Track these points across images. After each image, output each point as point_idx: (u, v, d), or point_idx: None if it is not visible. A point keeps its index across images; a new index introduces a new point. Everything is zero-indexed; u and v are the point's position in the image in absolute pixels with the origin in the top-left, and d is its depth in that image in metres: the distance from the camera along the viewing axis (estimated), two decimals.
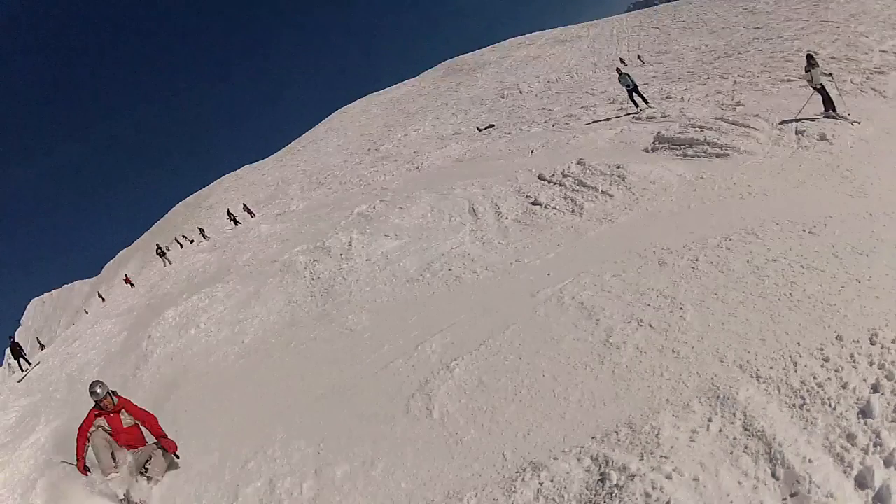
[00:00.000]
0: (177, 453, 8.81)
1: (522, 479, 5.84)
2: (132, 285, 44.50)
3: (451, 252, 14.18)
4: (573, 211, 13.94)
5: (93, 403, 8.80)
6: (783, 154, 14.08)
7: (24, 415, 16.43)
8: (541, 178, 17.55)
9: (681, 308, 7.64)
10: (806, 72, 16.84)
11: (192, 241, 51.26)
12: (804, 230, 8.89)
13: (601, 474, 5.48)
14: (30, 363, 28.92)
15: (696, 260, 8.73)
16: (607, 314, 8.11)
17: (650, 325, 7.51)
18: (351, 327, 11.90)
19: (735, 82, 23.66)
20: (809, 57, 17.09)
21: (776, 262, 8.03)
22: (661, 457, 5.35)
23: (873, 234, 8.39)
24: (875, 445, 5.07)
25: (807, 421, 5.35)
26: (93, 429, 8.56)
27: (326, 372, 10.31)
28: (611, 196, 13.82)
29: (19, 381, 23.97)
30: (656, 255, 9.31)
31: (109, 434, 8.58)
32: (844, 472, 4.85)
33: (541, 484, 5.72)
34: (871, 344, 6.08)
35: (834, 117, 15.55)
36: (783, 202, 10.65)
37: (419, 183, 25.72)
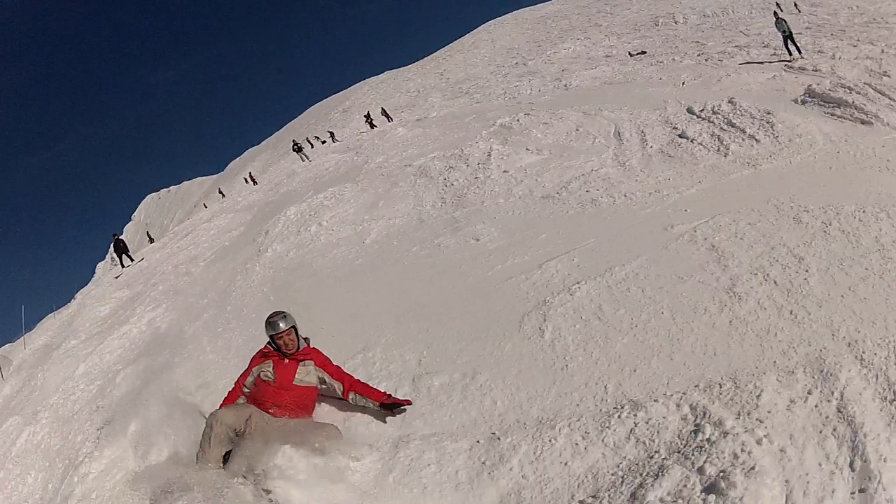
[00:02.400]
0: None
1: (619, 416, 6.01)
2: (255, 182, 46.36)
3: (591, 173, 14.17)
4: (719, 150, 13.74)
5: (266, 342, 7.39)
6: None
7: (118, 307, 17.70)
8: (690, 111, 17.37)
9: (807, 271, 7.58)
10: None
11: (323, 142, 52.77)
12: None
13: (696, 425, 5.61)
14: (132, 260, 29.92)
15: (830, 224, 8.58)
16: (736, 261, 8.11)
17: (775, 282, 7.48)
18: (478, 237, 12.14)
19: (883, 51, 21.98)
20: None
21: None
22: (757, 419, 5.41)
23: None
24: None
25: (892, 418, 5.24)
26: (250, 377, 7.11)
27: (445, 279, 10.65)
28: (757, 141, 13.58)
29: (117, 277, 25.32)
30: (793, 210, 9.17)
31: (269, 381, 6.94)
32: None
33: (635, 424, 5.88)
34: None
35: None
36: None
37: (565, 101, 25.51)
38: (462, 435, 6.42)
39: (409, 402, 6.98)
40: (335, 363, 7.49)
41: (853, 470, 4.80)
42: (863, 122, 14.40)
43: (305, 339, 7.38)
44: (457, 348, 8.08)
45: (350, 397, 7.17)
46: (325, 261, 14.30)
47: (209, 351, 10.51)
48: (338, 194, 19.77)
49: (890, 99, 15.39)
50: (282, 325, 7.09)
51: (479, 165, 17.47)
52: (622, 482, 5.33)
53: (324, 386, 7.18)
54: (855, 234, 8.21)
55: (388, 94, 75.30)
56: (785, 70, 23.63)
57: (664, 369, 6.52)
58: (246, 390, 7.09)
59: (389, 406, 6.98)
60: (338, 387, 7.19)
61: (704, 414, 5.68)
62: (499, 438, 6.17)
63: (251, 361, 7.28)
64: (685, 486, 4.96)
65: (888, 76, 18.87)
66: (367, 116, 50.84)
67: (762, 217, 9.20)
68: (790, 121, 14.22)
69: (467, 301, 9.42)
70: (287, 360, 7.06)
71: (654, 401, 6.06)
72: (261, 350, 7.32)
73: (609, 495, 5.23)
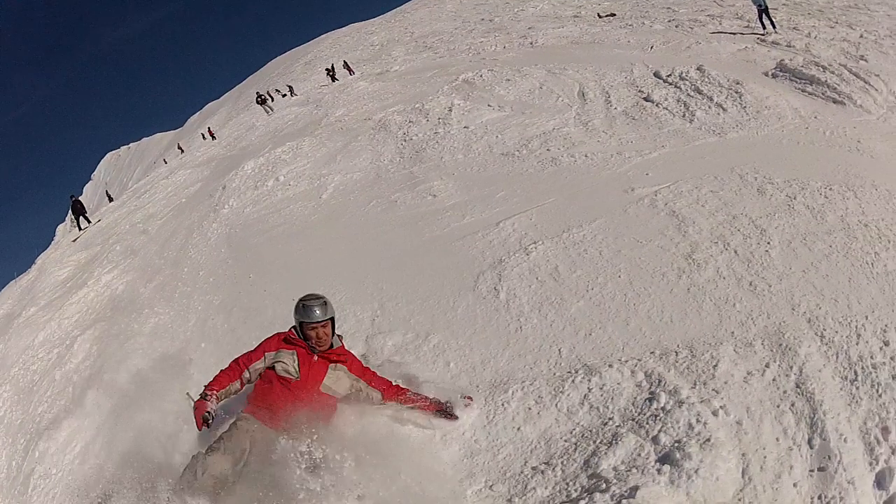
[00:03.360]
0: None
1: (572, 381, 5.94)
2: (213, 137, 45.48)
3: (553, 132, 14.04)
4: (684, 116, 13.65)
5: (290, 326, 6.12)
6: (895, 123, 13.36)
7: (76, 270, 17.25)
8: (657, 75, 17.25)
9: (768, 243, 7.55)
10: None
11: (283, 96, 51.81)
12: None
13: (651, 393, 5.57)
14: (90, 221, 29.14)
15: (794, 199, 8.55)
16: (696, 228, 8.05)
17: (735, 252, 7.45)
18: (435, 193, 11.98)
19: (862, 36, 22.05)
20: None
21: (867, 228, 7.76)
22: (713, 390, 5.39)
23: None
24: None
25: (853, 398, 5.27)
26: (259, 363, 5.81)
27: (401, 236, 10.51)
28: (724, 110, 13.52)
29: (74, 241, 24.67)
30: (757, 181, 9.13)
31: (289, 378, 5.65)
32: (870, 464, 4.77)
33: (589, 390, 5.83)
34: None
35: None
36: (885, 170, 10.23)
37: (531, 58, 25.28)
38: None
39: (470, 398, 6.04)
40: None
41: (812, 447, 4.81)
42: (835, 102, 14.40)
43: (338, 335, 6.11)
44: (410, 307, 7.99)
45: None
46: (280, 217, 14.08)
47: (165, 314, 10.35)
48: (296, 148, 19.46)
49: (865, 82, 15.28)
50: (318, 313, 5.79)
51: (440, 120, 17.23)
52: (575, 449, 5.28)
53: (349, 394, 5.92)
54: (820, 211, 8.19)
55: (350, 48, 74.04)
56: (757, 43, 23.58)
57: (620, 334, 6.48)
58: (247, 377, 5.74)
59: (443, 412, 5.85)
60: (375, 396, 5.97)
61: (660, 382, 5.64)
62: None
63: (264, 343, 5.89)
64: (639, 455, 4.93)
65: (865, 60, 18.91)
66: (329, 70, 49.84)
67: (725, 185, 9.16)
68: (759, 92, 14.21)
69: (422, 258, 9.32)
70: (316, 358, 5.74)
71: (609, 366, 6.01)
72: (281, 334, 5.95)
73: (562, 462, 5.18)
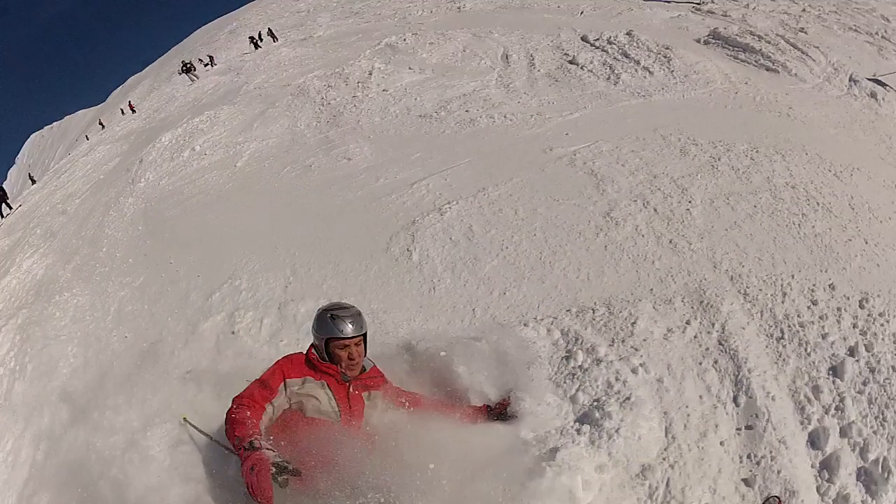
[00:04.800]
0: None
1: (486, 341, 5.69)
2: (133, 111, 44.08)
3: (473, 94, 13.95)
4: (608, 78, 13.69)
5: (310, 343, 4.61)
6: (831, 93, 13.71)
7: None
8: (584, 39, 17.39)
9: (690, 202, 7.53)
10: None
11: (206, 66, 50.39)
12: (830, 170, 8.69)
13: (567, 351, 5.42)
14: (11, 208, 27.86)
15: (719, 160, 8.57)
16: (615, 187, 8.01)
17: (655, 210, 7.41)
18: (350, 157, 11.78)
19: (804, 10, 22.47)
20: None
21: (795, 189, 7.85)
22: (632, 347, 5.31)
23: (892, 204, 8.14)
24: (836, 409, 5.01)
25: (779, 356, 5.27)
26: (279, 397, 4.16)
27: (314, 201, 10.29)
28: (651, 73, 13.58)
29: None
30: (680, 142, 9.11)
31: (329, 420, 4.23)
32: (801, 423, 4.78)
33: (505, 342, 5.59)
34: (860, 307, 5.98)
35: None
36: (817, 136, 10.41)
37: (457, 22, 25.19)
38: None
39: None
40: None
41: (738, 405, 4.79)
42: (768, 70, 14.61)
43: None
44: (323, 272, 7.78)
45: None
46: (195, 187, 13.71)
47: (84, 297, 9.76)
48: (213, 117, 18.95)
49: (803, 52, 15.59)
50: (351, 327, 4.37)
51: (359, 84, 17.00)
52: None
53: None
54: (745, 172, 8.21)
55: (276, 15, 72.50)
56: (692, 11, 23.75)
57: (535, 292, 6.36)
58: (269, 417, 4.12)
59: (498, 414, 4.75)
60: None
61: (577, 340, 5.51)
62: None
63: (280, 366, 4.33)
64: (557, 415, 4.80)
65: (805, 32, 19.23)
66: (252, 38, 48.60)
67: (647, 146, 9.13)
68: (689, 58, 14.26)
69: (336, 223, 9.15)
70: (351, 388, 4.37)
71: (524, 325, 5.89)
72: (296, 356, 4.50)
73: None
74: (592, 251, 6.79)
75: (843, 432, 4.90)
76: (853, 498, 4.55)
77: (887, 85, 14.51)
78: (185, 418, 4.97)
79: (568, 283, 6.36)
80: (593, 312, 5.85)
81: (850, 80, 14.24)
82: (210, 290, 7.97)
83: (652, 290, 6.09)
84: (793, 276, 6.22)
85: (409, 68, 17.37)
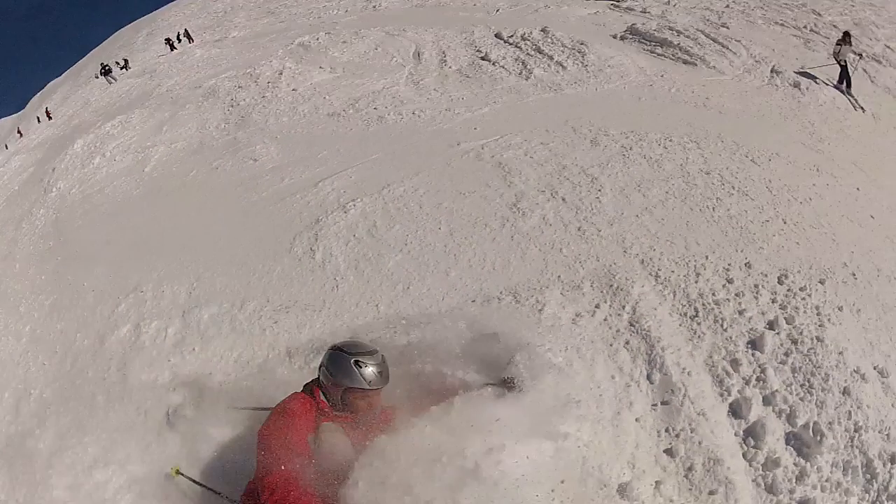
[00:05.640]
0: None
1: (391, 335, 5.64)
2: (49, 118, 42.67)
3: (382, 91, 13.87)
4: (521, 73, 13.78)
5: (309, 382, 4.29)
6: (751, 84, 14.03)
7: None
8: (498, 36, 17.42)
9: (599, 190, 7.59)
10: (836, 44, 16.28)
11: (122, 68, 49.02)
12: (747, 157, 8.90)
13: (473, 341, 5.20)
14: None
15: (630, 149, 8.64)
16: (523, 178, 8.02)
17: (563, 199, 7.45)
18: (256, 157, 11.55)
19: (728, 6, 23.14)
20: (846, 34, 16.59)
21: (709, 175, 8.00)
22: (539, 333, 5.28)
23: (814, 186, 8.47)
24: (758, 380, 5.19)
25: (694, 333, 5.40)
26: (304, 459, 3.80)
27: (219, 204, 10.06)
28: (564, 68, 13.70)
29: None
30: (591, 133, 9.20)
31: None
32: (721, 395, 4.93)
33: (408, 343, 5.43)
34: (779, 283, 6.21)
35: (843, 92, 15.20)
36: (735, 125, 10.63)
37: (371, 21, 25.11)
38: (228, 372, 5.94)
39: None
40: None
41: (651, 383, 4.86)
42: (685, 63, 14.78)
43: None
44: (227, 276, 7.53)
45: None
46: (104, 195, 13.32)
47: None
48: (125, 122, 18.42)
49: (723, 46, 15.87)
50: (377, 378, 4.01)
51: (269, 84, 16.75)
52: None
53: None
54: (658, 160, 8.28)
55: (193, 16, 70.92)
56: (610, 8, 24.14)
57: (439, 285, 6.31)
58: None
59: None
60: None
61: (482, 329, 5.33)
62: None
63: (296, 425, 3.90)
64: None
65: (726, 27, 19.66)
66: (168, 40, 47.47)
67: (556, 137, 9.18)
68: (603, 53, 14.41)
69: (240, 225, 8.93)
70: (363, 428, 4.03)
71: (429, 318, 5.71)
72: (303, 399, 4.09)
73: None
74: (498, 242, 6.78)
75: (767, 401, 5.11)
76: (784, 461, 4.77)
77: (817, 78, 14.98)
78: (177, 470, 4.66)
79: (473, 275, 6.34)
80: (499, 301, 5.86)
81: (772, 72, 14.59)
82: (116, 301, 7.70)
83: (560, 277, 6.12)
84: (706, 257, 6.35)
85: (320, 67, 17.19)
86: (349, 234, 7.53)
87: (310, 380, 4.31)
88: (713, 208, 7.27)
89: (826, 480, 4.95)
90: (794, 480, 4.83)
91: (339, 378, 3.99)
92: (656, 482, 4.36)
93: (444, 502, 3.54)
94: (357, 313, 6.23)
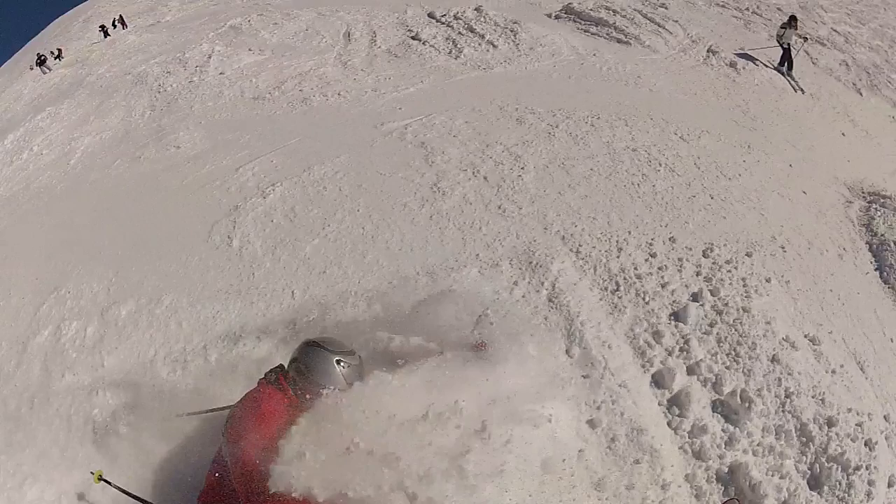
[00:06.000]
0: None
1: (306, 321, 5.67)
2: None
3: (309, 73, 13.56)
4: (450, 52, 13.61)
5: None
6: (686, 63, 14.02)
7: None
8: (431, 15, 17.25)
9: (522, 168, 7.54)
10: (781, 28, 16.24)
11: (56, 58, 47.62)
12: (676, 134, 8.93)
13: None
14: None
15: (556, 127, 8.60)
16: (445, 158, 7.94)
17: (485, 178, 7.41)
18: (179, 144, 11.24)
19: None
20: (792, 17, 16.55)
21: (636, 152, 8.00)
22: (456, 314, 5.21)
23: (744, 163, 8.54)
24: (681, 350, 5.27)
25: (615, 307, 5.44)
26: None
27: (142, 194, 9.75)
28: (495, 47, 13.55)
29: None
30: (518, 112, 9.13)
31: None
32: (643, 367, 4.97)
33: (325, 327, 5.53)
34: (704, 256, 6.27)
35: (783, 74, 15.22)
36: (666, 103, 10.63)
37: (305, 2, 24.52)
38: (149, 372, 5.82)
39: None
40: None
41: (571, 357, 4.89)
42: (619, 42, 14.72)
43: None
44: (145, 269, 7.30)
45: None
46: (30, 191, 12.84)
47: None
48: (54, 113, 17.81)
49: (659, 26, 15.82)
50: (354, 380, 4.03)
51: (197, 69, 16.31)
52: None
53: None
54: (583, 138, 8.26)
55: (129, 1, 69.44)
56: None
57: (356, 268, 6.23)
58: None
59: None
60: None
61: (397, 311, 5.40)
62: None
63: (269, 419, 3.88)
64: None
65: (665, 8, 19.61)
66: (103, 27, 46.15)
67: (482, 116, 9.10)
68: (536, 31, 14.26)
69: (160, 215, 8.66)
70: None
71: (344, 301, 5.77)
72: (272, 393, 4.02)
73: None
74: (417, 222, 6.73)
75: (691, 370, 5.22)
76: (712, 428, 4.89)
77: (756, 59, 15.02)
78: (99, 476, 4.49)
79: (390, 256, 6.28)
80: (415, 282, 5.83)
81: (708, 52, 14.57)
82: (38, 303, 7.46)
83: (478, 255, 6.10)
84: (629, 232, 6.37)
85: (249, 50, 16.82)
86: (267, 219, 7.38)
87: (270, 370, 4.20)
88: (638, 184, 7.29)
89: (758, 445, 5.06)
90: (723, 446, 4.92)
91: (315, 376, 3.92)
92: (579, 452, 4.37)
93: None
94: (271, 300, 6.13)
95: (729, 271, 6.18)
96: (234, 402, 4.18)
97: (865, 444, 5.50)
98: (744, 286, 6.15)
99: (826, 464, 5.23)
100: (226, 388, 5.08)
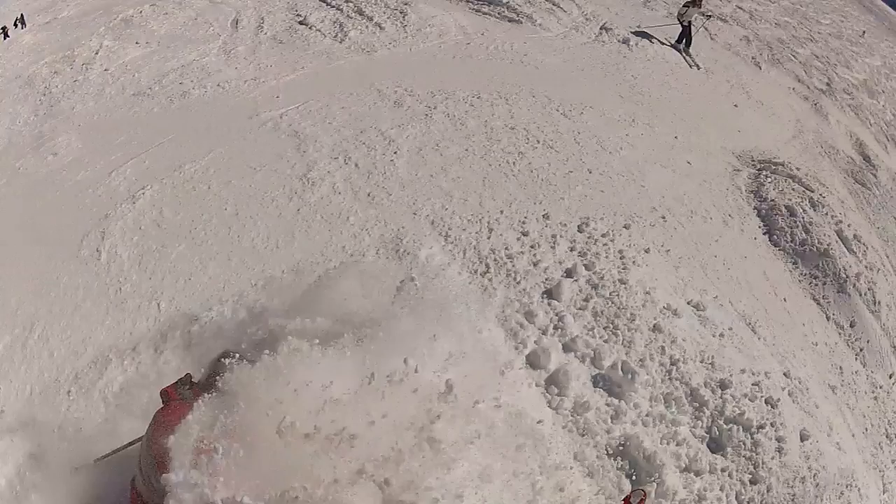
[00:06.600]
0: None
1: (172, 335, 5.27)
2: None
3: (191, 64, 12.76)
4: (336, 36, 12.92)
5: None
6: (577, 40, 13.62)
7: None
8: None
9: (395, 153, 7.24)
10: (684, 6, 15.76)
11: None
12: (558, 110, 8.74)
13: (256, 326, 4.86)
14: None
15: (434, 108, 8.30)
16: (318, 146, 7.54)
17: (356, 165, 7.06)
18: (56, 151, 10.31)
19: None
20: None
21: (514, 130, 7.81)
22: (317, 311, 4.78)
23: (627, 136, 8.59)
24: (556, 328, 5.11)
25: (485, 290, 5.27)
26: None
27: (17, 208, 8.81)
28: (382, 29, 12.92)
29: None
30: (397, 94, 8.77)
31: None
32: (516, 348, 4.82)
33: (191, 341, 5.14)
34: (580, 231, 6.13)
35: (680, 52, 14.93)
36: (551, 80, 10.29)
37: None
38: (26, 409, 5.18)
39: None
40: None
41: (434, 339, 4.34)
42: (510, 21, 14.10)
43: None
44: (19, 297, 6.50)
45: None
46: None
47: None
48: None
49: (553, 4, 15.10)
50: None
51: (83, 66, 15.16)
52: None
53: None
54: (461, 118, 7.97)
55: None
56: None
57: (221, 272, 5.80)
58: None
59: None
60: None
61: (261, 313, 5.02)
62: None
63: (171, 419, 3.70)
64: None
65: None
66: (4, 28, 43.29)
67: (359, 101, 8.68)
68: (426, 12, 13.64)
69: (34, 231, 7.84)
70: None
71: (209, 309, 5.37)
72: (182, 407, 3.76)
73: None
74: (284, 217, 6.35)
75: (568, 347, 5.07)
76: (595, 403, 4.76)
77: (652, 37, 14.72)
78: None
79: (256, 255, 5.91)
80: (281, 280, 5.50)
81: (601, 29, 14.24)
82: None
83: (344, 247, 5.82)
84: (501, 212, 6.20)
85: (136, 42, 15.72)
86: (136, 226, 6.83)
87: (179, 381, 3.94)
88: (513, 163, 7.09)
89: (647, 415, 4.97)
90: (609, 420, 4.81)
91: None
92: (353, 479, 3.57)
93: None
94: (138, 315, 5.63)
95: (605, 244, 6.14)
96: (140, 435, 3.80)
97: (766, 403, 5.48)
98: (621, 258, 6.08)
99: (725, 426, 5.18)
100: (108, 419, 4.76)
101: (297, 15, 14.67)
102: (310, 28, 13.54)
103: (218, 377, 3.65)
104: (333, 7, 14.85)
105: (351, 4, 14.66)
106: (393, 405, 3.38)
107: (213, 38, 14.23)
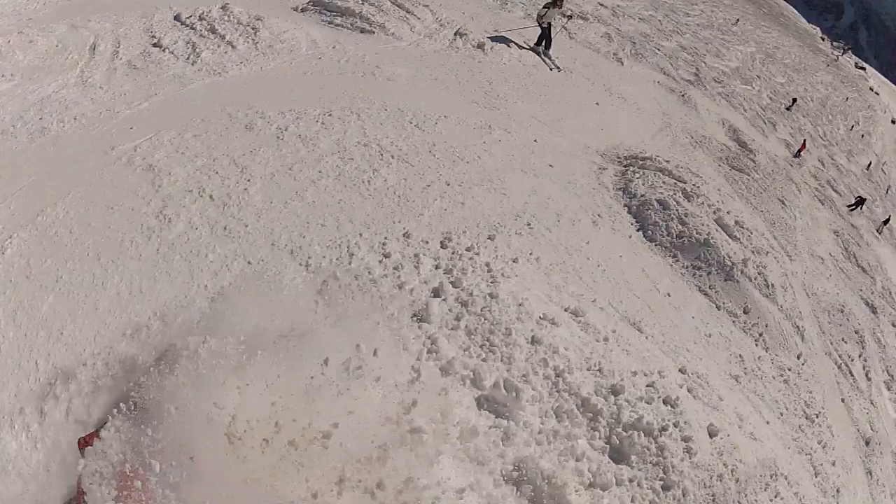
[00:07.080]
0: None
1: (53, 395, 4.94)
2: None
3: (51, 96, 12.01)
4: (188, 58, 12.40)
5: None
6: (430, 48, 13.57)
7: None
8: (177, 18, 15.80)
9: (248, 180, 7.05)
10: (544, 8, 15.40)
11: None
12: (411, 122, 8.65)
13: (126, 371, 4.73)
14: None
15: (286, 130, 8.12)
16: (172, 179, 7.23)
17: (211, 197, 6.82)
18: None
19: None
20: None
21: (367, 147, 7.72)
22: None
23: (483, 144, 8.58)
24: (430, 352, 4.91)
25: (362, 315, 5.17)
26: None
27: None
28: (234, 48, 12.51)
29: None
30: (248, 117, 8.55)
31: None
32: (405, 365, 4.67)
33: (70, 400, 4.86)
34: (443, 247, 6.02)
35: (539, 54, 14.75)
36: (403, 92, 10.30)
37: (63, 12, 21.67)
38: None
39: None
40: None
41: (312, 378, 4.22)
42: (363, 31, 13.85)
43: None
44: None
45: None
46: None
47: None
48: None
49: (408, 12, 14.93)
50: None
51: None
52: None
53: None
54: (313, 139, 7.79)
55: None
56: None
57: (90, 323, 5.53)
58: None
59: None
60: None
61: (133, 366, 4.73)
62: None
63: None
64: None
65: None
66: None
67: (210, 127, 8.39)
68: (278, 27, 13.22)
69: None
70: None
71: (83, 365, 5.07)
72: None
73: None
74: (145, 258, 6.09)
75: (445, 371, 4.81)
76: (482, 427, 4.47)
77: (510, 41, 14.50)
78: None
79: (121, 302, 5.64)
80: (148, 329, 5.21)
81: (455, 35, 14.21)
82: None
83: (205, 286, 5.59)
84: (360, 234, 6.05)
85: (2, 76, 14.67)
86: (6, 280, 6.40)
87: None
88: (368, 181, 6.97)
89: (539, 433, 4.69)
90: (501, 444, 4.52)
91: None
92: (335, 489, 3.46)
93: None
94: (18, 376, 5.23)
95: (471, 258, 6.07)
96: None
97: (665, 403, 5.23)
98: (488, 272, 6.00)
99: (625, 433, 4.89)
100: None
101: (153, 37, 14.02)
102: (163, 50, 13.01)
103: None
104: (188, 27, 14.31)
105: (205, 23, 14.16)
106: (359, 399, 3.07)
107: (71, 67, 13.49)
